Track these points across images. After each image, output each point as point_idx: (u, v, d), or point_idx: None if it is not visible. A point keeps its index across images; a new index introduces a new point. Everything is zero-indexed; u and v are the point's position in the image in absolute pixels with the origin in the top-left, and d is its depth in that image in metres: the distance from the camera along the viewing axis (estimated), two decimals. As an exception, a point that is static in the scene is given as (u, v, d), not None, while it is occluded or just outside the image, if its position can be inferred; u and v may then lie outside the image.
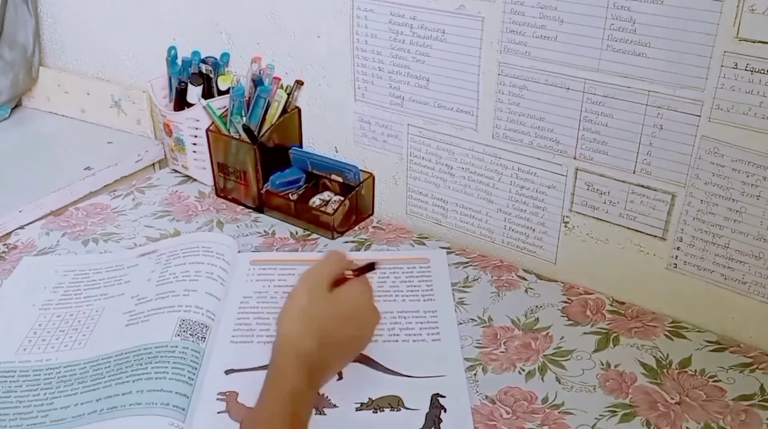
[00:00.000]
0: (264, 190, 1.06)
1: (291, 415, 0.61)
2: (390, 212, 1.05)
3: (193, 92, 1.10)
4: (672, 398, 0.72)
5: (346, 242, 1.00)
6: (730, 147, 0.74)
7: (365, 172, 1.04)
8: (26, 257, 0.96)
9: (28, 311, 0.85)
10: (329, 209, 1.01)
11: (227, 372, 0.75)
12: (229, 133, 1.06)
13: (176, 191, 1.14)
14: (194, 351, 0.76)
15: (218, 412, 0.70)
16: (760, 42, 0.68)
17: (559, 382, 0.75)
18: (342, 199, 1.02)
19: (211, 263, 0.89)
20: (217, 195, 1.12)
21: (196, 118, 1.09)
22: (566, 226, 0.89)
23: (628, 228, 0.84)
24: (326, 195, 1.04)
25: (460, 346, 0.79)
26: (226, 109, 1.07)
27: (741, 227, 0.76)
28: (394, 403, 0.72)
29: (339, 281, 0.70)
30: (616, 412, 0.71)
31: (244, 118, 1.04)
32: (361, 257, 0.95)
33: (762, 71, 0.69)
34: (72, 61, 1.36)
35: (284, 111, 1.05)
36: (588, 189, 0.85)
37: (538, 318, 0.84)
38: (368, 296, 0.71)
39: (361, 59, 0.97)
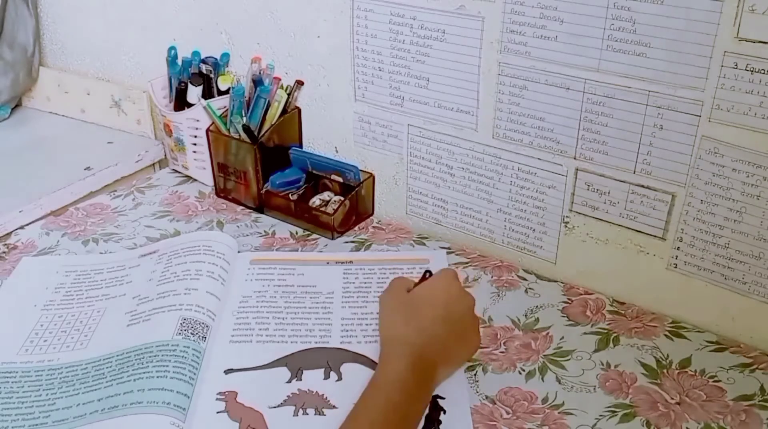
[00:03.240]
0: (264, 190, 1.06)
1: (387, 400, 0.64)
2: (390, 212, 1.05)
3: (193, 92, 1.10)
4: (672, 398, 0.72)
5: (346, 242, 1.00)
6: (730, 147, 0.74)
7: (365, 172, 1.04)
8: (26, 257, 0.96)
9: (29, 312, 0.85)
10: (329, 209, 1.01)
11: (226, 372, 0.75)
12: (229, 133, 1.06)
13: (176, 191, 1.14)
14: (195, 350, 0.76)
15: (218, 412, 0.70)
16: (760, 42, 0.68)
17: (559, 383, 0.75)
18: (342, 199, 1.02)
19: (212, 262, 0.89)
20: (217, 195, 1.12)
21: (196, 118, 1.09)
22: (566, 226, 0.89)
23: (628, 228, 0.84)
24: (326, 195, 1.04)
25: (460, 346, 0.79)
26: (226, 109, 1.07)
27: (741, 227, 0.76)
28: (394, 404, 0.71)
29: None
30: (616, 412, 0.71)
31: (244, 118, 1.04)
32: (367, 257, 0.95)
33: (762, 71, 0.69)
34: (72, 61, 1.36)
35: (284, 111, 1.05)
36: (588, 189, 0.85)
37: (538, 318, 0.84)
38: (451, 287, 0.75)
39: (361, 59, 0.97)
